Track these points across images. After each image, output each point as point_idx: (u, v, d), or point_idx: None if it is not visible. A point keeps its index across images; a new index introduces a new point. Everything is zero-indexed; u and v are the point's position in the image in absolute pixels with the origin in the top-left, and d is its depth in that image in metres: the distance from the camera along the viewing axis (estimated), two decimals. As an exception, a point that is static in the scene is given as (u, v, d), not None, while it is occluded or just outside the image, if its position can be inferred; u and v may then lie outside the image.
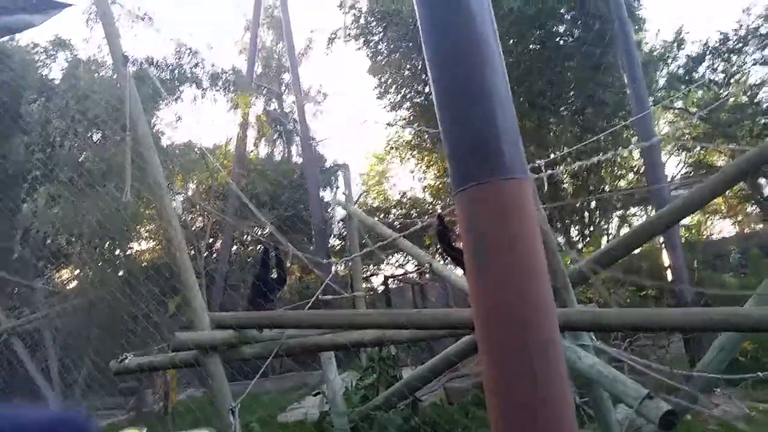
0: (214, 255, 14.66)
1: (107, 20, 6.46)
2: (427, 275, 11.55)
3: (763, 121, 18.67)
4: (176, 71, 13.40)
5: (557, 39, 14.30)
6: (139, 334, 9.23)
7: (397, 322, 4.77)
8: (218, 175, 12.60)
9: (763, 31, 18.38)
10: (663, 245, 9.66)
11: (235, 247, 15.80)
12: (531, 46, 14.25)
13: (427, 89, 16.43)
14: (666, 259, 9.59)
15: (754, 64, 18.51)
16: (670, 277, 9.30)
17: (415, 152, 17.68)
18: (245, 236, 15.66)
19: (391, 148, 18.49)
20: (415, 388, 6.14)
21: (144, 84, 10.84)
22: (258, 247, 15.04)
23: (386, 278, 13.37)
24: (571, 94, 14.30)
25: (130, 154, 5.70)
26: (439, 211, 5.86)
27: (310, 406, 9.45)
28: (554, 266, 5.14)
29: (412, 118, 17.35)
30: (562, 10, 14.15)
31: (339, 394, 6.51)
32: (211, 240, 14.75)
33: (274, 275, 6.49)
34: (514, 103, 2.25)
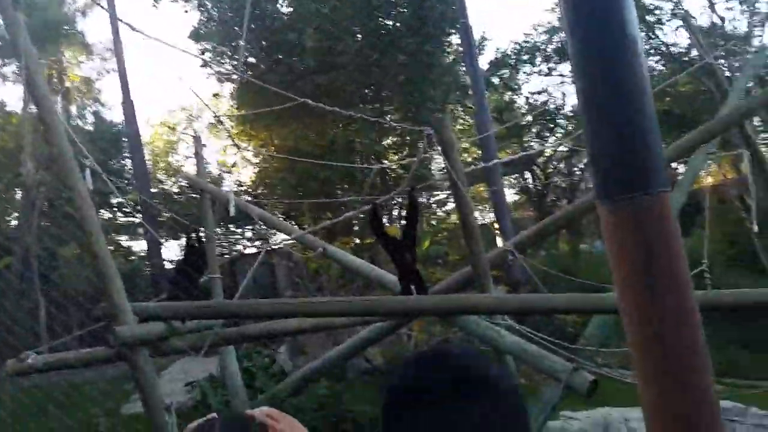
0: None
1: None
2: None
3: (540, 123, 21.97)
4: None
5: (394, 33, 14.93)
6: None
7: (356, 309, 4.86)
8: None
9: (549, 47, 21.41)
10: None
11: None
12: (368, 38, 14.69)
13: (260, 64, 15.91)
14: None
15: (539, 74, 21.61)
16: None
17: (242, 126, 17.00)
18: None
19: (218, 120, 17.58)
20: (328, 370, 6.23)
21: None
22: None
23: (238, 255, 12.79)
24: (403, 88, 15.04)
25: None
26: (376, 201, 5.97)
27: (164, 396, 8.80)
28: (477, 254, 5.61)
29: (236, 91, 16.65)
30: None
31: (241, 384, 6.27)
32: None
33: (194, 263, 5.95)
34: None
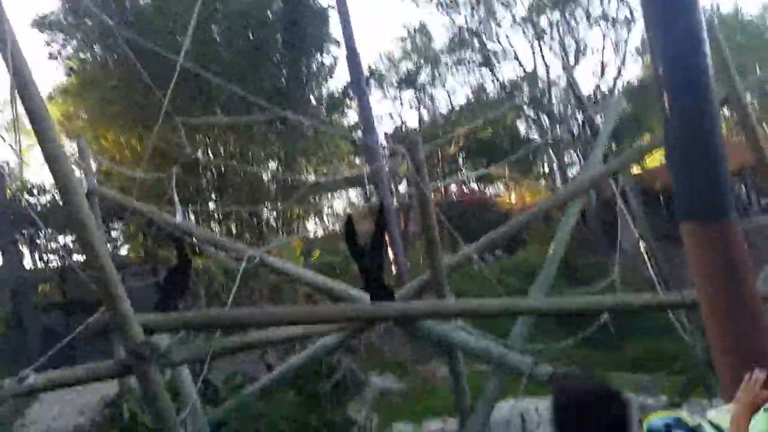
0: None
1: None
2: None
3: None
4: None
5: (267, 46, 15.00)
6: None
7: (344, 314, 5.18)
8: None
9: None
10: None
11: None
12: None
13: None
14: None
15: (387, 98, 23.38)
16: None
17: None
18: None
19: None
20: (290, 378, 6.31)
21: None
22: None
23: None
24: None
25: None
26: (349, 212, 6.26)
27: (51, 419, 7.94)
28: (437, 264, 6.18)
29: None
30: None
31: (197, 399, 6.03)
32: None
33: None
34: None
